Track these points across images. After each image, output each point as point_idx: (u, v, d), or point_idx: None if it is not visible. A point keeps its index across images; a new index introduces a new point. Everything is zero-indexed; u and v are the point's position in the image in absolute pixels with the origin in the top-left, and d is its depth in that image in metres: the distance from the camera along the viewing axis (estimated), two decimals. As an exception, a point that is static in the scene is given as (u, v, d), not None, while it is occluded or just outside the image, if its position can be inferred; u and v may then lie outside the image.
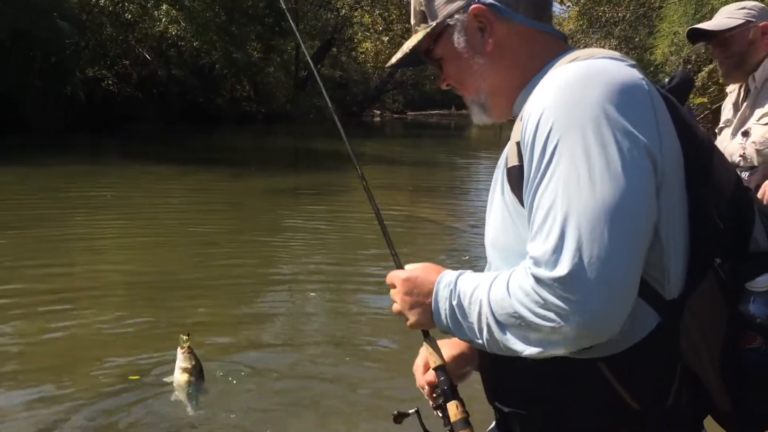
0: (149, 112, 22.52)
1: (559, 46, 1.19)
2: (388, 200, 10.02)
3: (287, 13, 2.04)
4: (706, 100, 9.36)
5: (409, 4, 1.26)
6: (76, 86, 19.78)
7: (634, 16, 18.38)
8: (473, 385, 1.33)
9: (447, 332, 1.13)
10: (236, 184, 11.61)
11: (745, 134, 2.91)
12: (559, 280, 0.93)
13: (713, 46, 3.07)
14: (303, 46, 2.02)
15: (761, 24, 2.92)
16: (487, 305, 1.03)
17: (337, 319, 5.13)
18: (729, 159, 2.96)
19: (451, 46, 1.20)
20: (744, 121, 3.01)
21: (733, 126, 3.02)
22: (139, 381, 3.74)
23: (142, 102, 23.00)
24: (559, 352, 0.99)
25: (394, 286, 1.21)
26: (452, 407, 1.19)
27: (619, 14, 19.33)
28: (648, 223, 0.98)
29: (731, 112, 3.09)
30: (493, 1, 1.16)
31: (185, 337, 3.27)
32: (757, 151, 2.85)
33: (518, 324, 1.00)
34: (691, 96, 8.36)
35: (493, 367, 1.17)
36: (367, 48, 36.71)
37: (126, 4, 21.91)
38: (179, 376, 3.30)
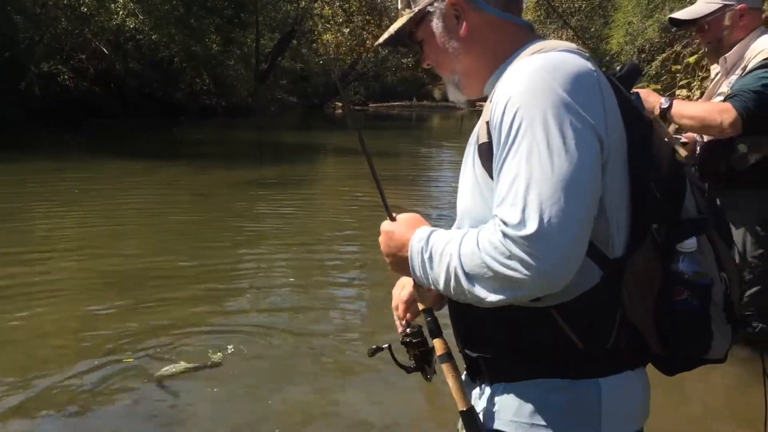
0: (108, 106, 22.16)
1: (527, 35, 1.36)
2: (355, 189, 10.21)
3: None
4: (659, 87, 9.70)
5: None
6: (32, 81, 19.39)
7: (589, 6, 18.79)
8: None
9: (419, 281, 1.30)
10: (202, 176, 11.61)
11: None
12: (526, 237, 1.08)
13: (695, 30, 3.19)
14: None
15: (738, 7, 3.01)
16: (457, 258, 1.17)
17: (310, 292, 5.41)
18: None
19: (430, 30, 1.38)
20: (711, 100, 3.22)
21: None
22: (109, 365, 3.80)
23: (100, 96, 22.62)
24: (517, 298, 1.14)
25: None
26: (438, 343, 1.38)
27: (575, 5, 19.73)
28: (595, 193, 1.15)
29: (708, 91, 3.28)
30: None
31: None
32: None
33: (484, 274, 1.13)
34: (645, 83, 8.69)
35: (463, 317, 1.35)
36: (327, 40, 36.61)
37: (82, -4, 21.48)
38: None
